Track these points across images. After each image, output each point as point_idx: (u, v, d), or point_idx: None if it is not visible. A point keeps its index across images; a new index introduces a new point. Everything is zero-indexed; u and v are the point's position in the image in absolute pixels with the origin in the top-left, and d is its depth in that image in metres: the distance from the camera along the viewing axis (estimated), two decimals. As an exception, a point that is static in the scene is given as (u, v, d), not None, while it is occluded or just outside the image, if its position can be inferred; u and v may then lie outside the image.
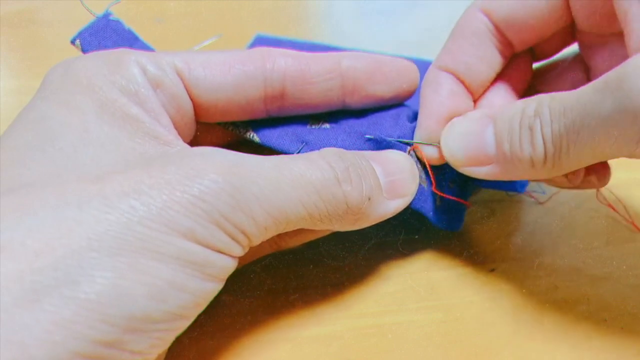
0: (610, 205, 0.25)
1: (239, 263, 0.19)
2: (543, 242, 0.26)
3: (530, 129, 0.20)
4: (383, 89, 0.24)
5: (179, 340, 0.21)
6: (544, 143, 0.20)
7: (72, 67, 0.20)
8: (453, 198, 0.25)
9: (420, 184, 0.24)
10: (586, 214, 0.27)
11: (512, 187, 0.25)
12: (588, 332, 0.22)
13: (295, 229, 0.20)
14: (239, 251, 0.18)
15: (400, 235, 0.26)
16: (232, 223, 0.17)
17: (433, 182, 0.24)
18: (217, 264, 0.17)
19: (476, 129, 0.22)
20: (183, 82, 0.21)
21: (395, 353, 0.21)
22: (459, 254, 0.26)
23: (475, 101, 0.25)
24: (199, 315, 0.18)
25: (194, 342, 0.22)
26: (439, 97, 0.24)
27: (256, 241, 0.18)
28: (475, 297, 0.24)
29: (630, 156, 0.19)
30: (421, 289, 0.24)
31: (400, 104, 0.26)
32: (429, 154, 0.24)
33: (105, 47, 0.23)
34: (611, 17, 0.22)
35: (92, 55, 0.20)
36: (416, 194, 0.24)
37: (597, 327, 0.22)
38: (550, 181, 0.25)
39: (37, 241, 0.15)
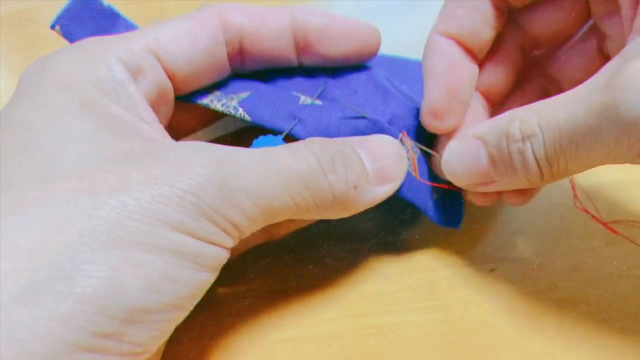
0: (585, 209, 0.26)
1: (233, 253, 0.19)
2: (543, 242, 0.26)
3: (521, 152, 0.20)
4: (336, 48, 0.24)
5: (179, 340, 0.21)
6: (537, 163, 0.20)
7: (47, 66, 0.20)
8: (445, 187, 0.25)
9: (415, 178, 0.24)
10: (586, 214, 0.27)
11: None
12: (588, 332, 0.22)
13: (284, 219, 0.20)
14: (230, 242, 0.18)
15: (400, 235, 0.26)
16: (221, 215, 0.17)
17: (415, 169, 0.24)
18: (210, 255, 0.17)
19: (472, 154, 0.22)
20: (160, 63, 0.21)
21: (395, 353, 0.21)
22: (459, 254, 0.26)
23: (480, 65, 0.25)
24: (199, 315, 0.18)
25: (194, 342, 0.22)
26: (443, 66, 0.23)
27: (246, 232, 0.19)
28: (475, 297, 0.24)
29: (632, 163, 0.19)
30: (421, 289, 0.24)
31: (386, 75, 0.25)
32: (435, 126, 0.24)
33: (87, 27, 0.23)
34: None
35: (66, 52, 0.20)
36: (413, 189, 0.24)
37: (597, 327, 0.22)
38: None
39: (30, 241, 0.15)
